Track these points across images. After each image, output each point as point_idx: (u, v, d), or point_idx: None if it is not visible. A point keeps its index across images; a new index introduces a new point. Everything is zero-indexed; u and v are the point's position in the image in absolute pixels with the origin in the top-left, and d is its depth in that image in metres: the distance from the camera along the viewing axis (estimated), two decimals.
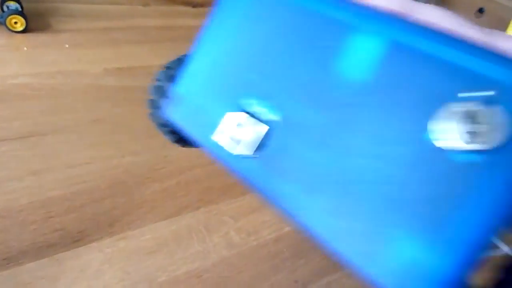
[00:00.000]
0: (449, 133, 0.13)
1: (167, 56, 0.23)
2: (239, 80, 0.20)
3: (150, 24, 0.76)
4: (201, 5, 0.91)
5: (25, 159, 0.39)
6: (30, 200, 0.35)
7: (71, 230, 0.33)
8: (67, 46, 0.61)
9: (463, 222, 0.13)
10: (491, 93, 0.13)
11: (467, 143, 0.13)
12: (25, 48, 0.58)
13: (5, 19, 0.59)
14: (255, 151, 0.19)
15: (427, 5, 0.27)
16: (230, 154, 0.19)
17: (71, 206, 0.35)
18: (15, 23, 0.60)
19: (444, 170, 0.13)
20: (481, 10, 1.65)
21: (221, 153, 0.20)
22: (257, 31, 0.19)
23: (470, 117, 0.13)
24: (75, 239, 0.33)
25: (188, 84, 0.22)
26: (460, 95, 0.13)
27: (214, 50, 0.21)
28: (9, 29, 0.60)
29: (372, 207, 0.15)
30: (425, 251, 0.13)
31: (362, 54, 0.16)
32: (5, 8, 0.61)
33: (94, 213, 0.35)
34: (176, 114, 0.22)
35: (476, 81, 0.13)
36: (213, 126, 0.20)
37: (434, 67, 0.14)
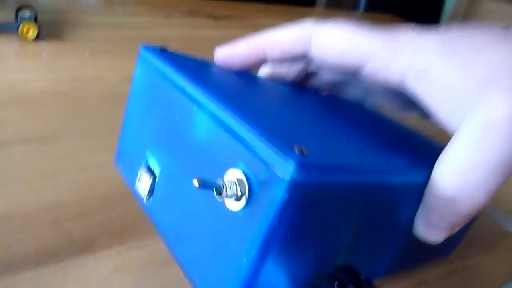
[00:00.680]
0: (217, 194, 0.18)
1: None
2: (145, 139, 0.26)
3: (171, 35, 0.75)
4: (223, 18, 0.91)
5: (36, 161, 0.38)
6: (38, 204, 0.33)
7: (79, 237, 0.31)
8: (87, 54, 0.61)
9: (233, 258, 0.18)
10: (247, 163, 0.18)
11: (225, 202, 0.18)
12: (44, 55, 0.58)
13: (18, 27, 0.59)
14: (150, 196, 0.25)
15: (329, 23, 0.28)
16: (142, 199, 0.25)
17: (80, 211, 0.34)
18: (27, 31, 0.60)
19: (223, 219, 0.18)
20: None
21: (139, 198, 0.26)
22: (154, 103, 0.26)
23: (228, 182, 0.18)
24: (83, 246, 0.31)
25: (123, 140, 0.29)
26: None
27: (133, 115, 0.28)
28: (22, 37, 0.60)
29: (195, 239, 0.20)
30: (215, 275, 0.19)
31: (195, 121, 0.21)
32: (19, 16, 0.61)
33: (105, 221, 0.33)
34: (118, 164, 0.30)
35: (242, 153, 0.18)
36: (135, 176, 0.26)
37: (228, 140, 0.19)
